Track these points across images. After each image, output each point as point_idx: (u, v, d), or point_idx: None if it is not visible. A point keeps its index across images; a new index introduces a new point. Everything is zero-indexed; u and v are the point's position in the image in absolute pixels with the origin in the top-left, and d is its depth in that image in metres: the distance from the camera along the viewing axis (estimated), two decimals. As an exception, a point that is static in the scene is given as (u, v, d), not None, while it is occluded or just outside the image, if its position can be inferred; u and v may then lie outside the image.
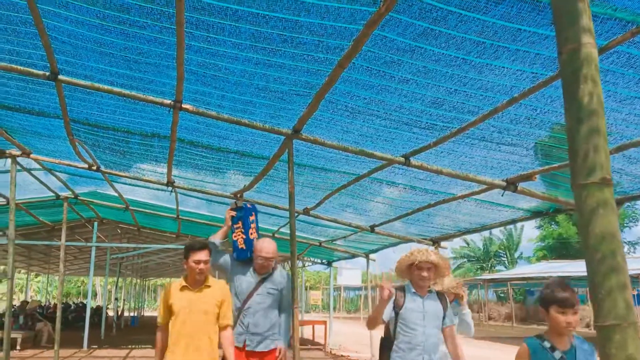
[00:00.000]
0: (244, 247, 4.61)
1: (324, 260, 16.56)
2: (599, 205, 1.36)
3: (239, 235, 4.67)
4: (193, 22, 3.33)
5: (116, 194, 10.11)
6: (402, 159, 5.11)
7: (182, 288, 3.93)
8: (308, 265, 19.81)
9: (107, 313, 20.35)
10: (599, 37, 2.76)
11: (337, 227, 9.93)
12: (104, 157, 7.20)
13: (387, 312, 3.84)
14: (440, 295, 3.99)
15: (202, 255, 3.87)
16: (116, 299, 23.77)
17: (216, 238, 4.60)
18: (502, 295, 38.29)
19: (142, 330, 22.00)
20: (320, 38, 3.32)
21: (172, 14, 3.22)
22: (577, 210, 1.41)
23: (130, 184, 9.13)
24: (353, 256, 14.01)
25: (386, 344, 3.94)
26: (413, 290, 3.87)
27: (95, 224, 14.04)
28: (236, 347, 4.21)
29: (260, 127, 4.95)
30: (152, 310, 50.28)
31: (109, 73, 4.35)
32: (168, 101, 4.67)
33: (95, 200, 11.58)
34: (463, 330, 4.86)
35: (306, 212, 8.56)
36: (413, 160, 5.14)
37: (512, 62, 3.13)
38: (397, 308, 3.81)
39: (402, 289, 3.92)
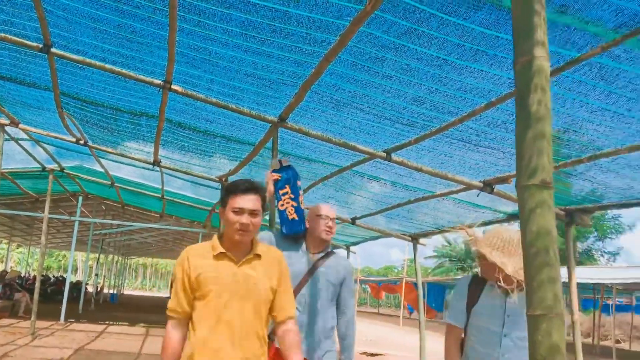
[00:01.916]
0: (296, 218, 3.49)
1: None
2: (537, 205, 1.48)
3: (287, 202, 3.51)
4: (185, 6, 3.41)
5: (102, 170, 10.18)
6: (384, 154, 5.23)
7: (218, 256, 2.45)
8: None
9: (86, 288, 20.41)
10: (573, 48, 2.88)
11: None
12: (91, 132, 7.26)
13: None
14: None
15: (249, 201, 2.41)
16: (96, 275, 23.80)
17: None
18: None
19: (121, 308, 22.14)
20: (308, 30, 3.42)
21: (165, -4, 3.31)
22: (519, 209, 1.53)
23: (116, 161, 9.21)
24: (334, 248, 14.17)
25: None
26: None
27: (80, 198, 14.09)
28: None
29: (247, 113, 5.04)
30: (133, 289, 50.42)
31: (102, 49, 4.42)
32: (158, 81, 4.75)
33: (81, 175, 11.64)
34: None
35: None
36: (394, 156, 5.26)
37: (490, 66, 3.25)
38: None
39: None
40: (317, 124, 4.99)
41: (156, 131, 6.30)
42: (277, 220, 3.64)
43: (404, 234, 9.74)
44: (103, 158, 9.05)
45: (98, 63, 4.61)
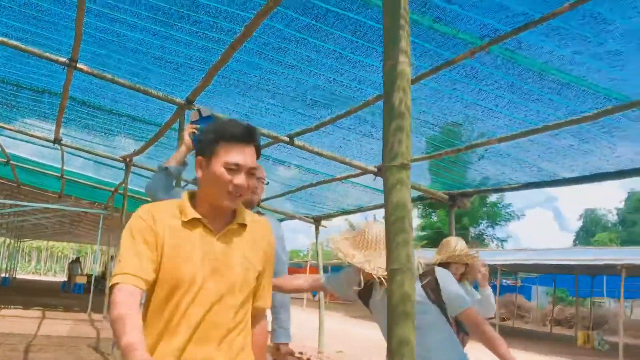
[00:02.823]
0: None
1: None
2: (397, 182, 1.83)
3: None
4: (94, -12, 3.51)
5: (-4, 147, 9.74)
6: (287, 138, 5.54)
7: (191, 223, 1.82)
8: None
9: (-25, 272, 19.29)
10: (448, 51, 3.32)
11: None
12: (-13, 107, 7.00)
13: None
14: None
15: (249, 155, 1.84)
16: (-14, 257, 22.46)
17: (170, 163, 3.00)
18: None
19: (13, 292, 21.14)
20: (215, 19, 3.64)
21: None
22: (384, 185, 1.88)
23: (13, 138, 8.85)
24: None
25: None
26: None
27: (-33, 176, 13.20)
28: None
29: (154, 94, 5.15)
30: (26, 274, 47.80)
31: (5, 25, 4.37)
32: (63, 59, 4.74)
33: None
34: None
35: (194, 182, 8.79)
36: (297, 141, 5.59)
37: (380, 62, 3.63)
38: None
39: None
40: (224, 105, 5.21)
41: (58, 109, 6.22)
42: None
43: (307, 217, 10.16)
44: (-1, 135, 8.67)
45: (1, 39, 4.55)
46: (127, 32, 4.08)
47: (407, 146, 1.87)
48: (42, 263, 58.96)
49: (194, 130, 3.06)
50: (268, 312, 2.80)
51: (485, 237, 42.18)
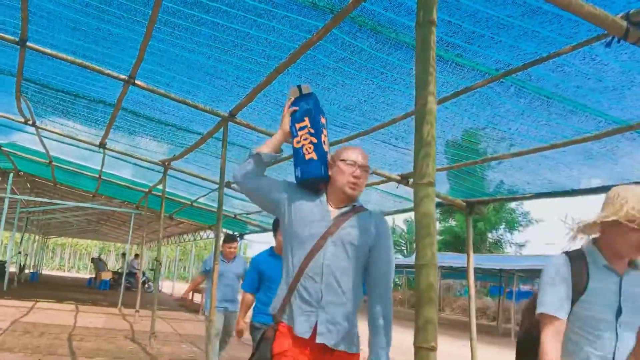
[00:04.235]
0: (315, 158, 2.66)
1: (236, 233, 17.37)
2: (424, 196, 2.35)
3: (305, 139, 2.71)
4: (163, 21, 4.08)
5: (41, 149, 10.42)
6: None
7: None
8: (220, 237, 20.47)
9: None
10: (466, 80, 3.83)
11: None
12: (43, 114, 7.66)
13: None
14: None
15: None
16: (19, 253, 23.36)
17: (263, 149, 2.71)
18: (397, 281, 40.97)
19: (43, 286, 21.99)
20: (264, 48, 4.19)
21: (147, 13, 3.98)
22: (414, 198, 2.40)
23: (59, 141, 9.50)
24: (264, 230, 14.92)
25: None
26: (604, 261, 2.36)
27: (11, 175, 13.88)
28: (293, 334, 2.48)
29: (201, 108, 5.74)
30: (51, 270, 49.01)
31: (75, 45, 4.97)
32: (123, 76, 5.35)
33: (17, 152, 11.71)
34: None
35: (227, 184, 9.38)
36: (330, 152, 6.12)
37: (406, 87, 4.15)
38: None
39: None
40: (262, 120, 5.76)
41: (110, 117, 6.85)
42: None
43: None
44: (46, 138, 9.33)
45: (69, 57, 5.16)
46: (185, 54, 4.66)
47: (432, 168, 2.39)
48: (66, 259, 60.30)
49: (294, 110, 2.76)
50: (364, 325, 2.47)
51: (502, 242, 42.42)
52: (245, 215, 12.93)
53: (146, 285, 23.78)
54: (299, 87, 2.85)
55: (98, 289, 24.30)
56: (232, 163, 8.09)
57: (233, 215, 13.19)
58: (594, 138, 4.18)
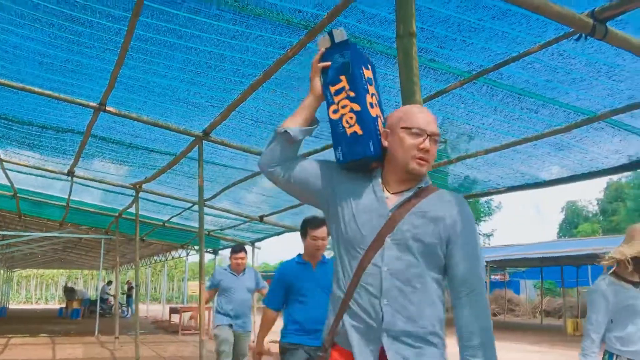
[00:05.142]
0: (359, 132, 1.92)
1: (209, 250, 17.23)
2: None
3: (344, 106, 1.97)
4: (135, 48, 4.07)
5: (6, 182, 10.15)
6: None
7: None
8: (192, 255, 20.31)
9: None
10: (440, 83, 3.95)
11: (228, 216, 10.76)
12: (8, 146, 7.48)
13: None
14: None
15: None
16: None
17: (290, 122, 2.05)
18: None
19: (13, 321, 21.35)
20: (238, 67, 4.22)
21: (119, 41, 3.96)
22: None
23: (24, 172, 9.28)
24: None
25: None
26: None
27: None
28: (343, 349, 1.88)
29: (173, 128, 5.73)
30: (17, 303, 47.53)
31: (42, 78, 4.89)
32: (93, 104, 5.29)
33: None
34: None
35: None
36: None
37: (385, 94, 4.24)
38: None
39: None
40: (237, 136, 5.77)
41: (79, 146, 6.74)
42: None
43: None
44: (11, 170, 9.10)
45: (37, 89, 5.07)
46: (157, 79, 4.65)
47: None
48: (32, 291, 58.60)
49: (325, 66, 2.06)
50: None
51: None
52: (219, 231, 12.86)
53: (120, 310, 23.37)
54: (329, 33, 2.07)
55: (70, 319, 23.75)
56: (206, 182, 8.07)
57: (207, 233, 13.09)
58: (564, 130, 4.36)
